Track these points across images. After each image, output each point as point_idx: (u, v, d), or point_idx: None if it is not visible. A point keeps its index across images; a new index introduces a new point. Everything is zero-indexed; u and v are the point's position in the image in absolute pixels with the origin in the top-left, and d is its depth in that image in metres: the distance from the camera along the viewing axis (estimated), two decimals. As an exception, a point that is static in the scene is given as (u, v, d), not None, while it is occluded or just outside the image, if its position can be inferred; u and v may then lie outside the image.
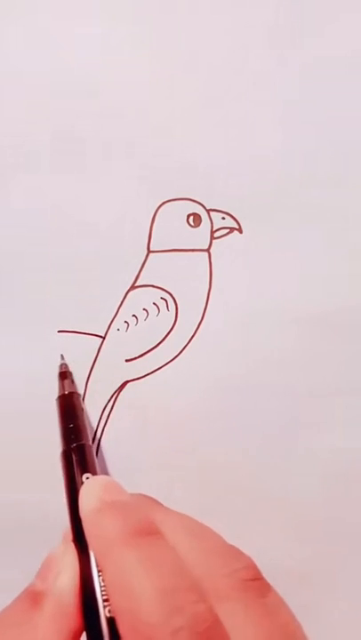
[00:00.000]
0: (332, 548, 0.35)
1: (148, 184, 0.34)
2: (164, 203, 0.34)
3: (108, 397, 0.34)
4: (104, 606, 0.19)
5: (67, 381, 0.27)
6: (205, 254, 0.34)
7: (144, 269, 0.34)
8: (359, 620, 0.35)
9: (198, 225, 0.34)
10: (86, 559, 0.20)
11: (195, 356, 0.34)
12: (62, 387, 0.27)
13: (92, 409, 0.34)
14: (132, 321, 0.34)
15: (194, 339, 0.34)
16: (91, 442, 0.28)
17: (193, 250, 0.34)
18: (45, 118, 0.33)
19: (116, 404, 0.34)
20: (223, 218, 0.34)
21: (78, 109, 0.33)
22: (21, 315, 0.34)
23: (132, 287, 0.34)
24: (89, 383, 0.34)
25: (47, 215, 0.34)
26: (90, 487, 0.22)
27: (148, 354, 0.34)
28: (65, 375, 0.27)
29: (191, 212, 0.34)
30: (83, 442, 0.23)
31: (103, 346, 0.34)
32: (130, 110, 0.34)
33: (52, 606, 0.20)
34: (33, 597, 0.21)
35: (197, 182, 0.34)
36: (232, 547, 0.21)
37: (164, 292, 0.34)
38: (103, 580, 0.20)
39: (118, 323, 0.34)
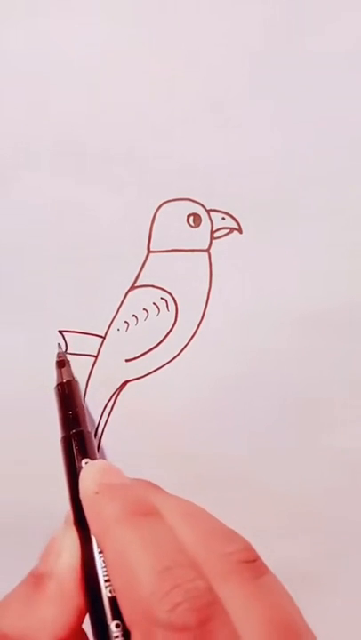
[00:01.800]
0: (333, 548, 0.35)
1: (148, 184, 0.34)
2: (164, 203, 0.34)
3: (108, 397, 0.34)
4: (105, 586, 0.19)
5: (64, 369, 0.28)
6: (205, 254, 0.34)
7: (144, 269, 0.34)
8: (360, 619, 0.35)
9: (198, 225, 0.34)
10: (87, 541, 0.21)
11: (195, 355, 0.34)
12: (60, 375, 0.27)
13: (92, 409, 0.34)
14: (132, 321, 0.34)
15: (194, 339, 0.34)
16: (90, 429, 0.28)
17: (193, 250, 0.34)
18: (46, 119, 0.33)
19: (116, 404, 0.34)
20: (223, 218, 0.34)
21: (79, 110, 0.34)
22: (21, 315, 0.34)
23: (133, 287, 0.34)
24: (89, 383, 0.34)
25: (47, 215, 0.34)
26: (89, 471, 0.22)
27: (148, 354, 0.34)
28: (62, 363, 0.28)
29: (191, 212, 0.34)
30: (81, 428, 0.24)
31: (103, 346, 0.34)
32: (130, 111, 0.34)
33: (53, 587, 0.20)
34: (35, 580, 0.21)
35: (197, 182, 0.34)
36: (229, 529, 0.21)
37: (164, 292, 0.34)
38: (104, 561, 0.20)
39: (118, 323, 0.34)
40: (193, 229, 0.34)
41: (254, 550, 0.20)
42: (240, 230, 0.34)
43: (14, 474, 0.35)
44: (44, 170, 0.34)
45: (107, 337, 0.34)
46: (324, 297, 0.34)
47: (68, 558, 0.21)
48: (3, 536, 0.35)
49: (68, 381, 0.26)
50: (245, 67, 0.33)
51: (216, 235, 0.34)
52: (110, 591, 0.19)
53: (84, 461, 0.23)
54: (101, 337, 0.34)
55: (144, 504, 0.20)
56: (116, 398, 0.34)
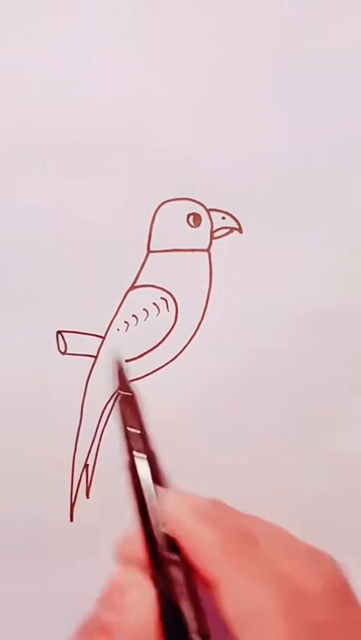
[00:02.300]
0: (334, 549, 0.35)
1: (148, 184, 0.34)
2: (163, 202, 0.34)
3: (109, 397, 0.34)
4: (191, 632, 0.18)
5: (126, 384, 0.25)
6: (205, 254, 0.34)
7: (144, 269, 0.34)
8: None
9: (198, 225, 0.34)
10: (165, 583, 0.19)
11: (195, 355, 0.34)
12: (121, 387, 0.25)
13: (92, 409, 0.34)
14: (131, 321, 0.34)
15: (194, 339, 0.34)
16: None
17: (193, 250, 0.34)
18: (46, 119, 0.33)
19: (117, 404, 0.34)
20: (223, 218, 0.34)
21: (79, 111, 0.34)
22: (21, 315, 0.34)
23: (132, 287, 0.34)
24: (89, 383, 0.34)
25: (47, 215, 0.34)
26: (179, 498, 0.21)
27: (148, 354, 0.34)
28: (123, 379, 0.26)
29: (191, 211, 0.34)
30: (150, 450, 0.22)
31: (103, 346, 0.34)
32: (130, 111, 0.34)
33: (128, 629, 0.19)
34: (104, 631, 0.19)
35: (197, 182, 0.34)
36: (314, 548, 0.20)
37: (164, 292, 0.34)
38: (215, 594, 0.18)
39: (118, 323, 0.34)
40: (193, 229, 0.34)
41: (341, 570, 0.20)
42: (240, 230, 0.34)
43: (14, 473, 0.34)
44: (45, 170, 0.34)
45: (107, 337, 0.34)
46: (324, 297, 0.34)
47: (144, 609, 0.19)
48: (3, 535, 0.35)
49: (131, 396, 0.24)
50: (246, 67, 0.33)
51: (216, 234, 0.34)
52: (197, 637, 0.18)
53: (155, 488, 0.21)
54: (101, 337, 0.34)
55: (244, 530, 0.20)
56: (116, 398, 0.34)
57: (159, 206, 0.34)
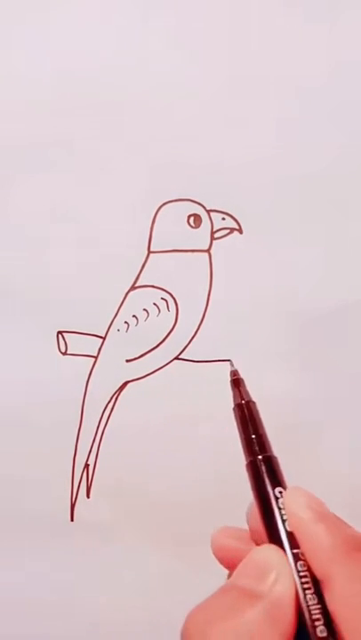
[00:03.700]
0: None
1: (149, 185, 0.34)
2: (164, 203, 0.34)
3: (109, 397, 0.34)
4: (315, 625, 0.19)
5: (243, 389, 0.26)
6: (206, 255, 0.34)
7: (144, 270, 0.34)
8: None
9: (199, 225, 0.34)
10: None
11: (195, 356, 0.34)
12: (238, 395, 0.26)
13: (92, 409, 0.34)
14: (132, 321, 0.34)
15: (194, 339, 0.34)
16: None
17: (193, 250, 0.34)
18: (47, 119, 0.33)
19: (117, 404, 0.34)
20: (223, 218, 0.34)
21: (79, 111, 0.34)
22: (21, 315, 0.34)
23: (133, 287, 0.34)
24: (89, 383, 0.34)
25: (48, 215, 0.34)
26: (299, 497, 0.21)
27: (149, 354, 0.34)
28: (238, 382, 0.27)
29: (191, 212, 0.34)
30: (268, 453, 0.23)
31: (103, 346, 0.34)
32: (130, 112, 0.34)
33: (268, 610, 0.19)
34: (245, 594, 0.20)
35: (197, 183, 0.34)
36: None
37: (164, 293, 0.34)
38: (324, 592, 0.19)
39: (118, 323, 0.34)
40: (193, 230, 0.34)
41: None
42: (240, 230, 0.34)
43: (14, 473, 0.34)
44: (45, 170, 0.34)
45: (107, 337, 0.34)
46: (324, 297, 0.34)
47: (286, 586, 0.20)
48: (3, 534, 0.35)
49: (248, 402, 0.25)
50: (246, 68, 0.33)
51: (216, 235, 0.34)
52: (320, 630, 0.18)
53: (277, 490, 0.22)
54: (101, 337, 0.34)
55: (358, 540, 0.20)
56: (116, 398, 0.34)
57: (160, 207, 0.34)
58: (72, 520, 0.34)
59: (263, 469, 0.22)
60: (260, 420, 0.25)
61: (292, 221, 0.34)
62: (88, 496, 0.34)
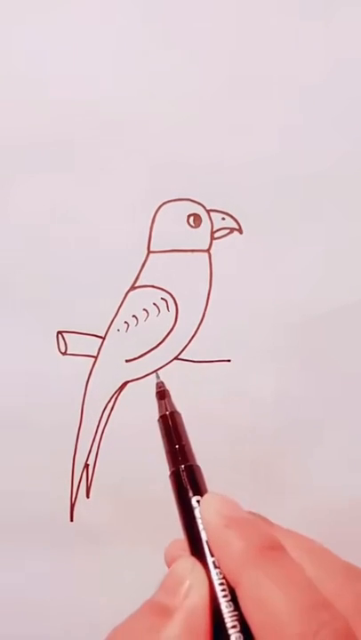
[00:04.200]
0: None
1: (149, 185, 0.34)
2: (164, 203, 0.34)
3: (109, 398, 0.34)
4: (229, 634, 0.19)
5: (167, 400, 0.27)
6: (206, 255, 0.34)
7: (144, 270, 0.34)
8: None
9: (198, 225, 0.34)
10: (209, 578, 0.20)
11: (195, 356, 0.34)
12: (163, 406, 0.26)
13: (92, 409, 0.34)
14: (132, 321, 0.34)
15: (194, 339, 0.34)
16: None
17: (193, 250, 0.34)
18: (47, 119, 0.33)
19: (117, 404, 0.34)
20: (223, 218, 0.34)
21: (79, 111, 0.34)
22: (21, 315, 0.34)
23: (133, 287, 0.34)
24: (89, 383, 0.34)
25: (48, 215, 0.34)
26: (211, 504, 0.22)
27: (149, 354, 0.34)
28: (163, 394, 0.27)
29: (191, 212, 0.34)
30: (190, 463, 0.23)
31: (103, 346, 0.34)
32: (131, 112, 0.34)
33: (183, 623, 0.19)
34: (160, 611, 0.20)
35: (197, 183, 0.34)
36: (354, 566, 0.20)
37: (164, 293, 0.34)
38: (237, 598, 0.19)
39: (118, 323, 0.34)
40: (193, 230, 0.34)
41: None
42: (240, 230, 0.34)
43: (14, 473, 0.34)
44: (45, 170, 0.34)
45: (107, 337, 0.34)
46: (324, 296, 0.34)
47: (199, 596, 0.20)
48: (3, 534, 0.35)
49: (172, 413, 0.26)
50: (246, 68, 0.33)
51: (216, 235, 0.34)
52: (237, 637, 0.18)
53: (195, 498, 0.22)
54: (101, 337, 0.34)
55: (272, 539, 0.20)
56: (116, 398, 0.34)
57: (160, 207, 0.34)
58: (72, 520, 0.34)
59: (185, 479, 0.23)
60: (183, 430, 0.25)
61: (292, 221, 0.34)
62: (88, 496, 0.34)
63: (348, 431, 0.35)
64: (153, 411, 0.34)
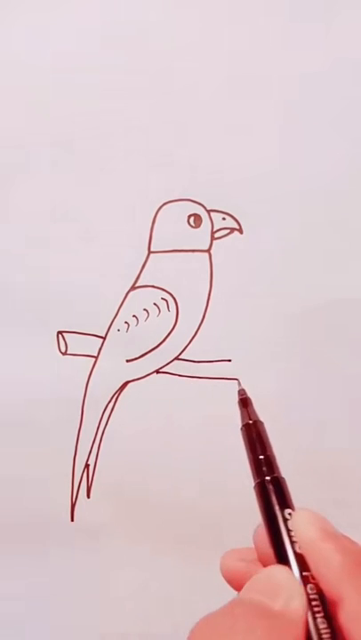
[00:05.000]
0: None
1: (149, 185, 0.34)
2: (164, 203, 0.34)
3: (109, 398, 0.34)
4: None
5: (250, 409, 0.26)
6: (206, 255, 0.34)
7: (145, 270, 0.34)
8: None
9: (199, 225, 0.34)
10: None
11: (195, 356, 0.34)
12: (246, 414, 0.26)
13: (92, 409, 0.34)
14: (132, 321, 0.34)
15: (194, 339, 0.34)
16: None
17: (193, 250, 0.34)
18: (47, 120, 0.33)
19: (117, 404, 0.34)
20: (224, 218, 0.34)
21: (79, 111, 0.34)
22: (22, 315, 0.34)
23: (133, 287, 0.34)
24: (89, 383, 0.34)
25: (48, 215, 0.34)
26: (304, 517, 0.22)
27: (149, 354, 0.34)
28: (246, 402, 0.26)
29: (192, 212, 0.34)
30: (276, 474, 0.23)
31: (103, 346, 0.34)
32: (131, 112, 0.34)
33: (281, 630, 0.19)
34: (259, 612, 0.20)
35: (197, 183, 0.34)
36: None
37: (164, 293, 0.34)
38: (337, 612, 0.19)
39: (119, 323, 0.34)
40: (193, 230, 0.34)
41: None
42: (240, 231, 0.34)
43: (15, 473, 0.35)
44: (45, 170, 0.34)
45: (107, 337, 0.34)
46: (324, 297, 0.34)
47: (301, 605, 0.20)
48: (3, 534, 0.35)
49: (255, 422, 0.25)
50: (247, 69, 0.33)
51: (217, 235, 0.34)
52: None
53: (286, 511, 0.22)
54: (101, 337, 0.34)
55: None
56: (116, 398, 0.34)
57: (160, 207, 0.34)
58: (72, 520, 0.34)
59: (272, 491, 0.22)
60: (268, 440, 0.24)
61: (292, 221, 0.34)
62: (88, 496, 0.34)
63: (348, 430, 0.35)
64: (153, 410, 0.34)
